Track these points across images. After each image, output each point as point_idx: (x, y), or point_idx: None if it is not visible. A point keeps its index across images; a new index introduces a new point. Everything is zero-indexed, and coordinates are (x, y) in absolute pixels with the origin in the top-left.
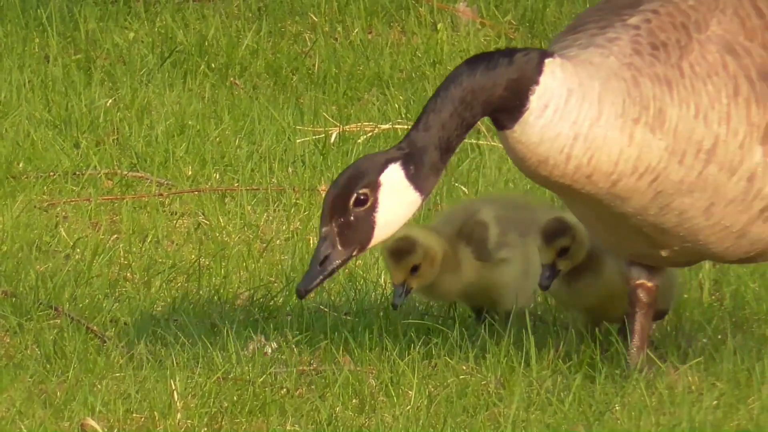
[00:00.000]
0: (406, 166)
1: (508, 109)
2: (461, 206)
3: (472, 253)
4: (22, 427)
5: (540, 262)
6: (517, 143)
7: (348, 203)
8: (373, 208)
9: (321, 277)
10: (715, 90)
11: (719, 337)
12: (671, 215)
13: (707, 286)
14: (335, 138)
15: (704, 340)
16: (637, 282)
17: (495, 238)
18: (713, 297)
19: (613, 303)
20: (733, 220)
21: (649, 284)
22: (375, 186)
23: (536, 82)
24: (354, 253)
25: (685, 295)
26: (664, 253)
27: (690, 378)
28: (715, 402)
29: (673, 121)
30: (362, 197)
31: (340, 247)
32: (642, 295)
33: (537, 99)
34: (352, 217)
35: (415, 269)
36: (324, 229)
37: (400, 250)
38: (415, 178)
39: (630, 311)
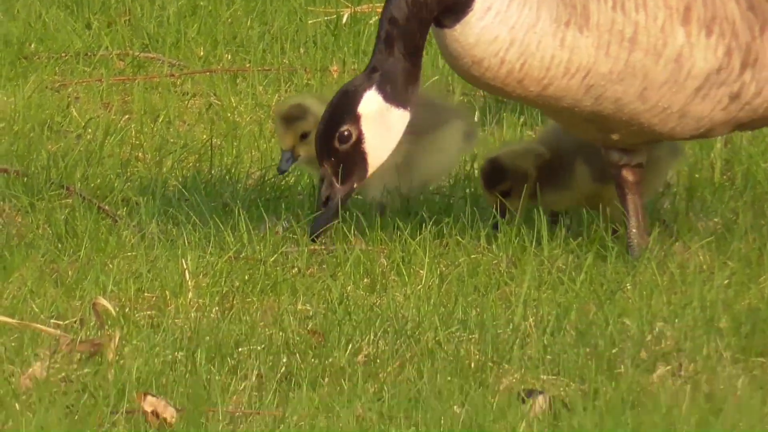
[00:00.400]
0: (381, 89)
1: (452, 8)
2: None
3: None
4: (34, 306)
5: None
6: (454, 42)
7: (333, 144)
8: (360, 141)
9: (327, 216)
10: None
11: (730, 216)
12: (607, 103)
13: (718, 165)
14: (347, 19)
15: (715, 220)
16: (620, 163)
17: None
18: (724, 177)
19: (591, 203)
20: (669, 101)
21: (633, 163)
22: (355, 120)
23: None
24: (355, 186)
25: (696, 175)
26: (615, 137)
27: (701, 257)
28: (726, 281)
29: (595, 17)
30: (346, 133)
31: (338, 185)
32: (627, 175)
33: (482, 1)
34: (341, 155)
35: (304, 136)
36: (320, 171)
37: (290, 116)
38: (394, 95)
39: (620, 194)
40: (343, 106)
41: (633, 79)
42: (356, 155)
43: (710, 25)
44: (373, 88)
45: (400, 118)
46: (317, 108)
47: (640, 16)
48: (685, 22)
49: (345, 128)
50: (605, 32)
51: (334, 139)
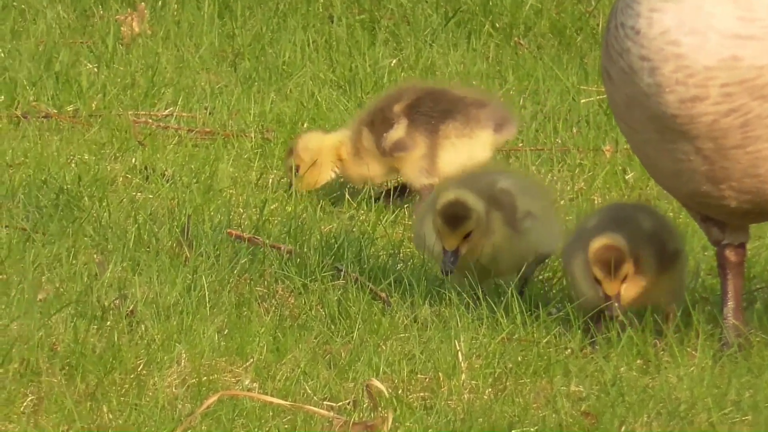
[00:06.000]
0: None
1: None
2: (474, 175)
3: (502, 218)
4: (307, 387)
5: None
6: None
7: None
8: None
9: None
10: None
11: None
12: (735, 121)
13: None
14: None
15: None
16: (722, 243)
17: (522, 207)
18: None
19: None
20: None
21: (736, 243)
22: None
23: None
24: None
25: None
26: (723, 188)
27: None
28: None
29: None
30: None
31: None
32: (730, 255)
33: None
34: None
35: (468, 235)
36: None
37: (456, 216)
38: None
39: (721, 274)
40: None
41: None
42: None
43: None
44: None
45: None
46: (475, 201)
47: None
48: None
49: None
50: None
51: None
